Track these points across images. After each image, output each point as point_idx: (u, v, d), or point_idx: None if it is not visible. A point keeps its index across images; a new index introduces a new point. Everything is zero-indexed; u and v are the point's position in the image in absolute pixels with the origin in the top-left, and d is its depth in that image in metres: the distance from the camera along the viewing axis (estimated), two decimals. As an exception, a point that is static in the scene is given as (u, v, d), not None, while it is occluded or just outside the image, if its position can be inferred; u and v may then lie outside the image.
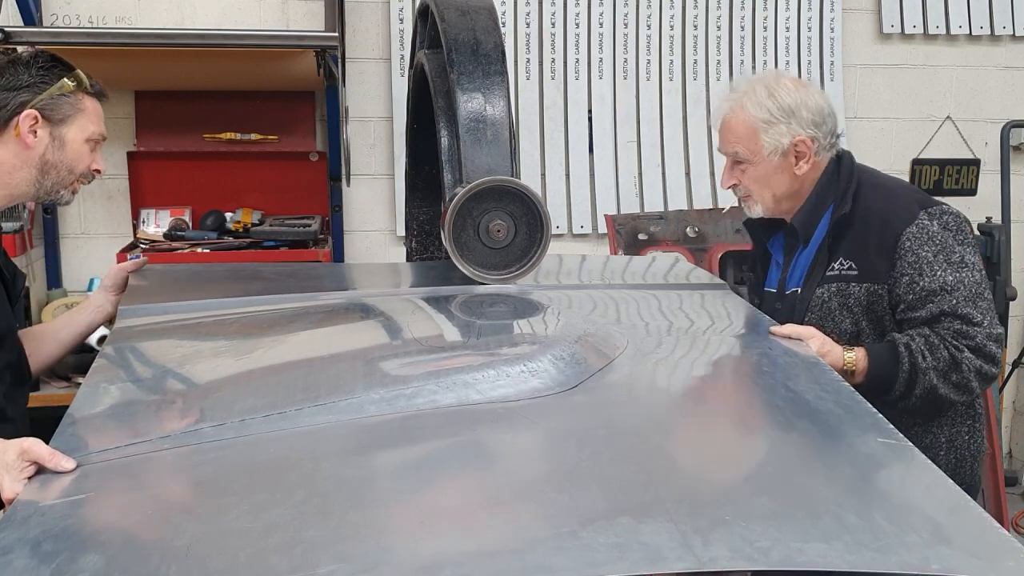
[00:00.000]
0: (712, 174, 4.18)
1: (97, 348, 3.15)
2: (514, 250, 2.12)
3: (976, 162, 4.35)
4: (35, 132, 1.91)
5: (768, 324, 1.97)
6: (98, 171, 2.03)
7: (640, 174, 4.14)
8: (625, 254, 3.44)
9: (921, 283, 2.02)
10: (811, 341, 1.88)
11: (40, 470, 1.35)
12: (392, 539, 1.16)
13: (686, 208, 4.03)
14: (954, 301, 2.00)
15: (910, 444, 1.39)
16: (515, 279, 2.12)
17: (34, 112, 1.90)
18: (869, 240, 2.08)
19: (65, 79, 1.93)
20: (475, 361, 1.63)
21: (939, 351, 1.98)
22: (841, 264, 2.11)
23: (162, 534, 1.18)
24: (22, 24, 3.53)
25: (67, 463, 1.34)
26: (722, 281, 2.33)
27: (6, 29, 3.11)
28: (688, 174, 4.17)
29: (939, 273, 2.01)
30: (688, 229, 3.54)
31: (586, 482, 1.28)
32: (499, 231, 2.10)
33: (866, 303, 2.09)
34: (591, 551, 1.07)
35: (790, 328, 1.89)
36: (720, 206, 3.94)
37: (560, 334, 1.81)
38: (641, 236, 3.53)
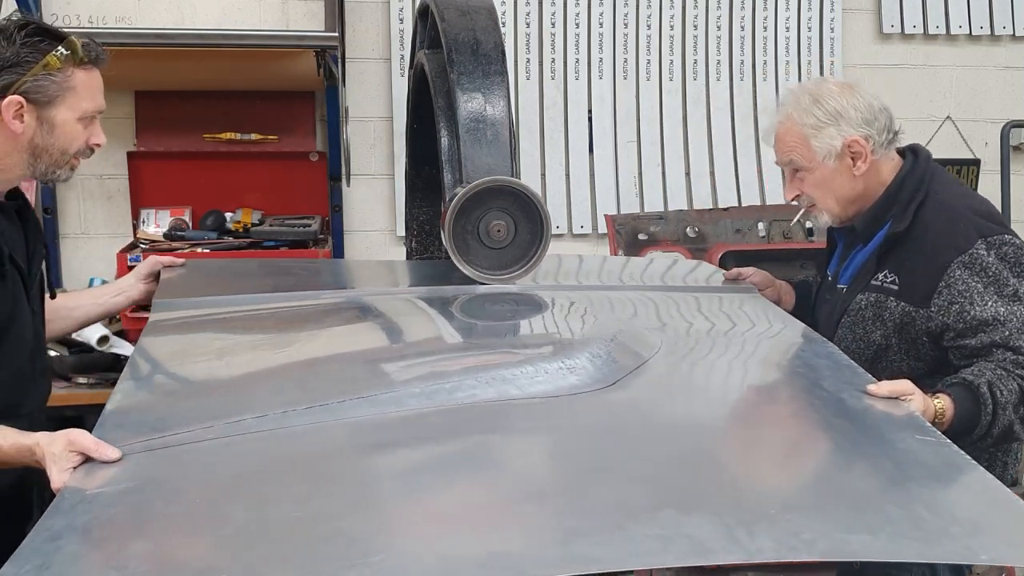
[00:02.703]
0: (712, 174, 4.18)
1: (97, 348, 3.17)
2: (514, 250, 2.12)
3: (976, 162, 4.34)
4: (21, 117, 1.77)
5: (795, 325, 1.97)
6: (98, 145, 1.89)
7: (640, 174, 4.14)
8: (625, 254, 3.44)
9: (972, 312, 1.95)
10: (911, 400, 1.66)
11: (86, 460, 1.37)
12: (438, 529, 1.16)
13: (686, 208, 4.03)
14: (1007, 333, 1.93)
15: (947, 440, 1.40)
16: (515, 279, 2.12)
17: (17, 98, 1.75)
18: (918, 260, 2.03)
19: (51, 55, 1.75)
20: (513, 358, 1.65)
21: (1008, 382, 1.88)
22: (886, 276, 2.07)
23: (208, 522, 1.19)
24: (22, 24, 3.52)
25: (112, 452, 1.36)
26: (750, 285, 2.30)
27: (6, 29, 3.10)
28: (688, 174, 4.17)
29: (990, 304, 1.95)
30: (688, 229, 3.54)
31: (628, 476, 1.29)
32: (499, 231, 2.10)
33: (899, 322, 2.04)
34: (636, 542, 1.08)
35: (887, 387, 1.64)
36: (721, 206, 3.95)
37: (595, 333, 1.82)
38: (641, 236, 3.52)
